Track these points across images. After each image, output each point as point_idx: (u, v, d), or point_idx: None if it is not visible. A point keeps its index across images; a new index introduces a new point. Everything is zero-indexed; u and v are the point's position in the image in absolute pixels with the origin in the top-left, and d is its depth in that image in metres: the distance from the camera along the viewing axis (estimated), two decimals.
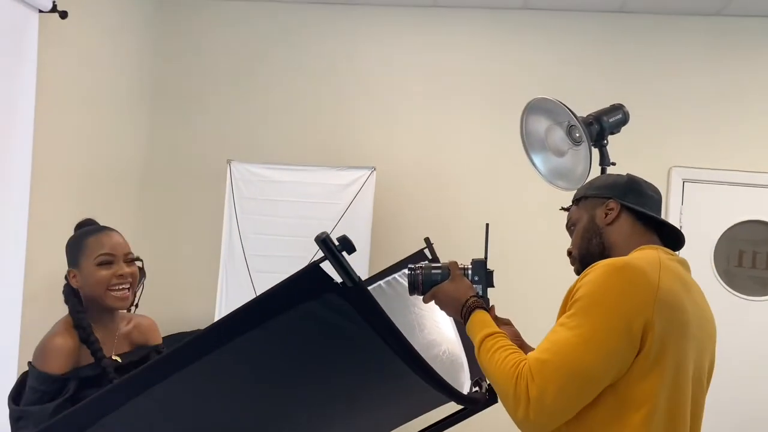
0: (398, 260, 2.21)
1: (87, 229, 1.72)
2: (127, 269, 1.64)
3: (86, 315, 1.62)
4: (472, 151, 3.92)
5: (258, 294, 1.05)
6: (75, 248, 1.68)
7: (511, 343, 1.38)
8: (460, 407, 1.47)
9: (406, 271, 1.58)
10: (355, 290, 1.03)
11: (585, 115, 2.20)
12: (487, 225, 1.62)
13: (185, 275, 3.95)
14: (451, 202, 3.90)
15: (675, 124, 3.78)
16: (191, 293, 3.91)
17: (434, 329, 1.80)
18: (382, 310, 1.11)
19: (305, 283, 1.01)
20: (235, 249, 3.59)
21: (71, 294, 1.66)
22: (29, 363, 1.61)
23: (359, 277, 1.03)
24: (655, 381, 1.32)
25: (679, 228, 1.55)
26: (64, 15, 2.87)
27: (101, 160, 3.66)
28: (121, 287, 1.63)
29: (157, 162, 4.09)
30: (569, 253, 1.60)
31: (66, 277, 1.69)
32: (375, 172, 3.61)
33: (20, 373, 1.66)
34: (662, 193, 1.62)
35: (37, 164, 2.79)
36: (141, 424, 1.18)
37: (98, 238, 1.67)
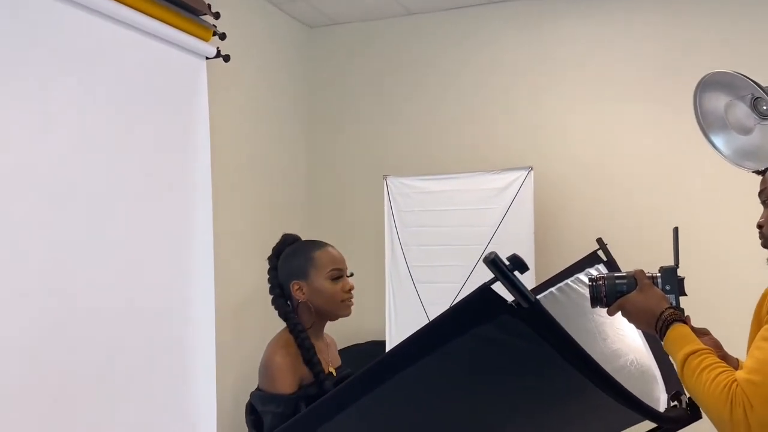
0: (568, 264, 2.09)
1: (311, 242, 1.75)
2: (351, 282, 1.73)
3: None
4: (639, 141, 3.63)
5: (430, 316, 1.04)
6: (302, 260, 1.69)
7: (718, 360, 1.24)
8: (655, 425, 1.35)
9: (581, 276, 1.49)
10: (531, 311, 0.97)
11: None
12: (676, 229, 1.46)
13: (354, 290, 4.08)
14: (620, 198, 3.64)
15: None
16: (361, 307, 3.97)
17: (617, 337, 1.68)
18: (562, 328, 1.04)
19: (477, 307, 0.98)
20: (399, 261, 3.65)
21: (290, 311, 1.67)
22: (253, 392, 1.62)
23: (535, 297, 0.97)
24: None
25: None
26: (227, 59, 3.10)
27: (268, 188, 3.94)
28: (351, 299, 1.72)
29: (318, 184, 4.30)
30: (759, 227, 1.42)
31: (280, 289, 1.69)
32: (532, 172, 3.49)
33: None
34: None
35: (215, 195, 3.04)
36: None
37: (327, 252, 1.71)
